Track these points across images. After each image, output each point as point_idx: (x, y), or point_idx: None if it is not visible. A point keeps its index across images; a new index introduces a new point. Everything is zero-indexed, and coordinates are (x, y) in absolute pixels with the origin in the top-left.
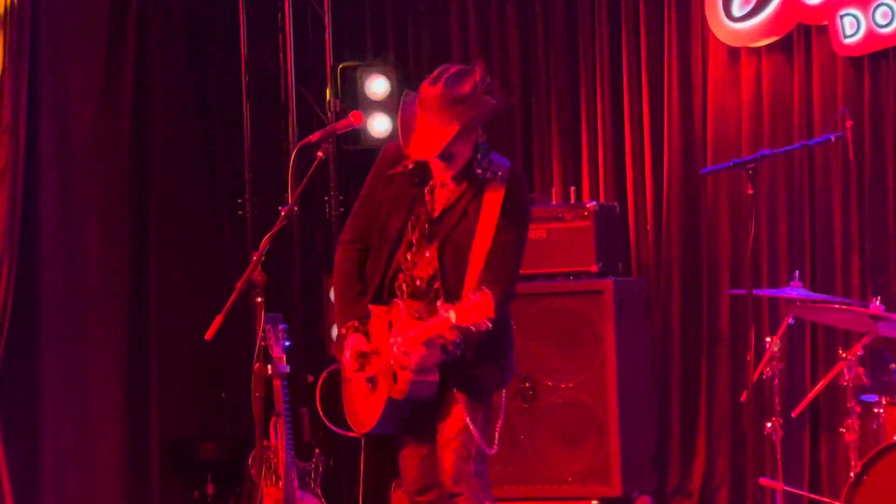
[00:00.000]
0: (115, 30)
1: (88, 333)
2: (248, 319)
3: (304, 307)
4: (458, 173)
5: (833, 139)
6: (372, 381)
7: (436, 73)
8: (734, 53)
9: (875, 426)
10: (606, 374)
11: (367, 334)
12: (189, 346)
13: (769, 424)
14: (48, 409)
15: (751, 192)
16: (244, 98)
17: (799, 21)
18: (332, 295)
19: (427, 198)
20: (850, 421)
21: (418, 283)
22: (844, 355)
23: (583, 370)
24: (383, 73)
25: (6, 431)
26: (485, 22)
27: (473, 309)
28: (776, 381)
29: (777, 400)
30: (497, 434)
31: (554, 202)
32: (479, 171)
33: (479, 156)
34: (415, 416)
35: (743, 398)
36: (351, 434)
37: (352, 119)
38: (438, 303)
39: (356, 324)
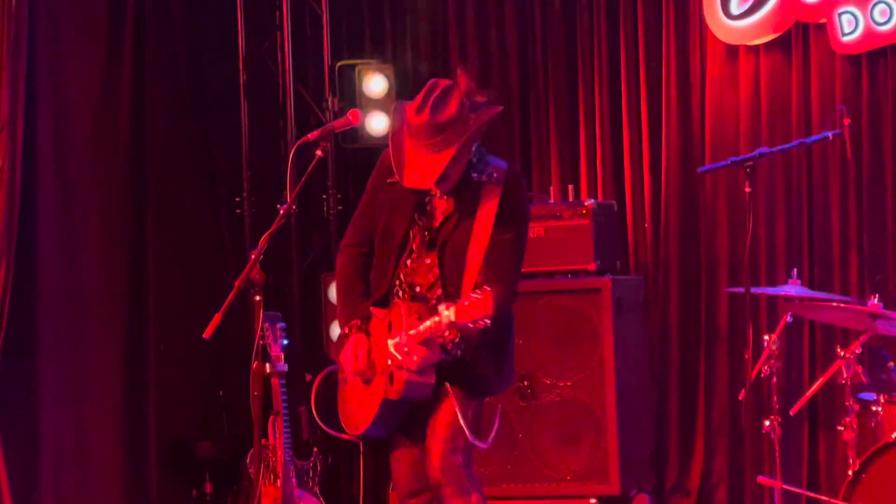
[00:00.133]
0: (114, 29)
1: (87, 332)
2: (246, 318)
3: (303, 306)
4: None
5: (831, 137)
6: (368, 382)
7: (421, 96)
8: (732, 51)
9: (873, 424)
10: (605, 372)
11: (368, 335)
12: (187, 344)
13: (767, 423)
14: (47, 408)
15: (749, 190)
16: (242, 97)
17: (797, 19)
18: (330, 293)
19: (428, 207)
20: (848, 419)
21: (418, 289)
22: (843, 353)
23: (581, 368)
24: (381, 71)
25: (5, 431)
26: (483, 20)
27: (472, 307)
28: (774, 379)
29: (775, 398)
30: (493, 434)
31: (552, 200)
32: (474, 175)
33: (474, 161)
34: (408, 417)
35: (741, 396)
36: (345, 437)
37: (350, 118)
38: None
39: (359, 323)
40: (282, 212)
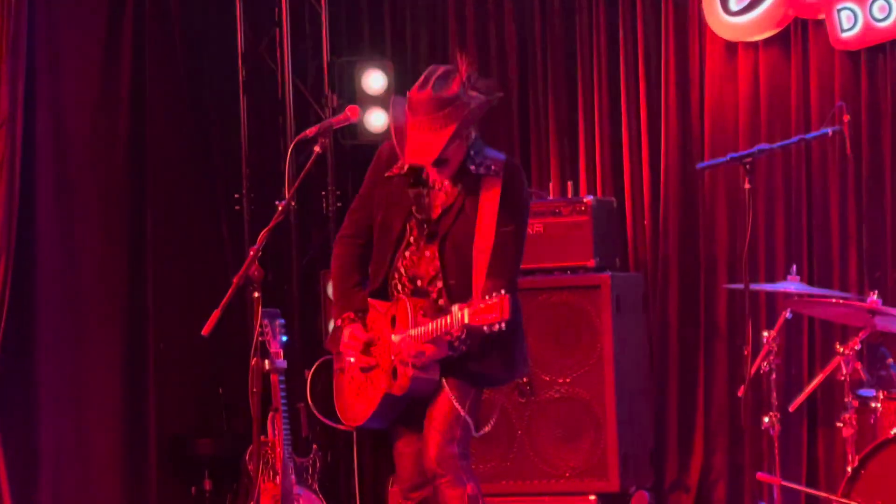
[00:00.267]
0: (113, 26)
1: (86, 331)
2: (245, 315)
3: (302, 302)
4: (454, 174)
5: (830, 133)
6: (367, 373)
7: (423, 76)
8: (731, 48)
9: (872, 421)
10: (604, 369)
11: (365, 327)
12: (186, 341)
13: (767, 419)
14: (46, 407)
15: (748, 186)
16: (241, 93)
17: (796, 15)
18: (329, 290)
19: (425, 200)
20: (847, 415)
21: (419, 282)
22: (842, 350)
23: (580, 365)
24: (380, 67)
25: (4, 430)
26: (482, 16)
27: (488, 310)
28: (774, 375)
29: (774, 395)
30: (488, 427)
31: (551, 197)
32: (472, 167)
33: (471, 153)
34: (408, 410)
35: (740, 393)
36: (341, 427)
37: (348, 114)
38: (447, 304)
39: (352, 315)
40: (280, 208)
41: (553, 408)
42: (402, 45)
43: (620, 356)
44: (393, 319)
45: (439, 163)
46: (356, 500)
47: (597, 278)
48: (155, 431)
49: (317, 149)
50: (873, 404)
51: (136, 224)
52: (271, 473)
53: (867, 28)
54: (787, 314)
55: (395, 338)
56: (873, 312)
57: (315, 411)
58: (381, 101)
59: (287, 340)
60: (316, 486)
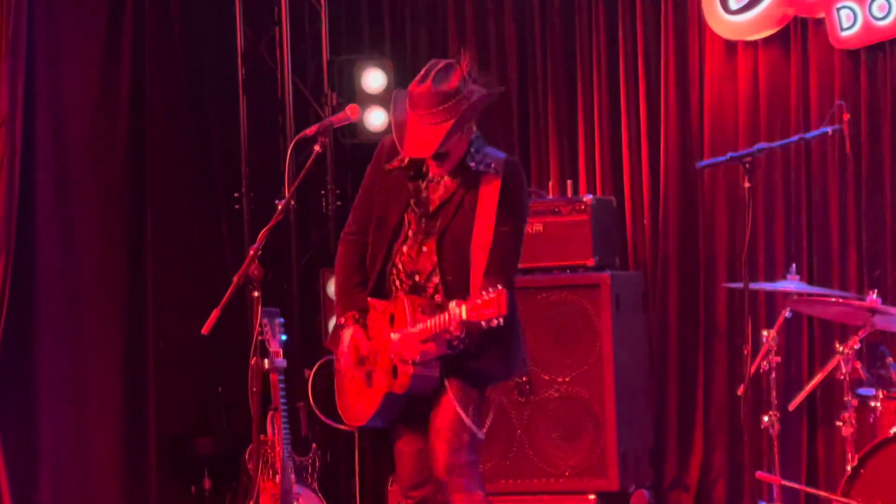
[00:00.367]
0: (113, 25)
1: (86, 331)
2: (245, 314)
3: (301, 301)
4: (453, 169)
5: (830, 132)
6: (369, 374)
7: (423, 70)
8: (731, 47)
9: (872, 420)
10: (603, 368)
11: (365, 328)
12: (186, 341)
13: (766, 418)
14: (46, 406)
15: (748, 185)
16: (240, 92)
17: (796, 14)
18: (329, 289)
19: (423, 193)
20: (846, 414)
21: (417, 277)
22: (841, 349)
23: (580, 364)
24: (380, 66)
25: (4, 430)
26: (482, 15)
27: (485, 305)
28: (773, 374)
29: (774, 394)
30: (487, 425)
31: (551, 196)
32: (472, 164)
33: (472, 150)
34: (409, 408)
35: (740, 392)
36: (343, 427)
37: (348, 113)
38: (444, 300)
39: (356, 315)
40: (280, 207)
41: (552, 407)
42: (401, 44)
43: (620, 355)
44: (391, 318)
45: (439, 156)
46: (356, 500)
47: (596, 277)
48: (155, 431)
49: (316, 148)
50: (873, 403)
51: (136, 224)
52: (271, 473)
53: (867, 27)
54: (787, 313)
55: (394, 336)
56: (873, 311)
57: (316, 410)
58: (381, 99)
59: (287, 339)
60: (315, 486)
